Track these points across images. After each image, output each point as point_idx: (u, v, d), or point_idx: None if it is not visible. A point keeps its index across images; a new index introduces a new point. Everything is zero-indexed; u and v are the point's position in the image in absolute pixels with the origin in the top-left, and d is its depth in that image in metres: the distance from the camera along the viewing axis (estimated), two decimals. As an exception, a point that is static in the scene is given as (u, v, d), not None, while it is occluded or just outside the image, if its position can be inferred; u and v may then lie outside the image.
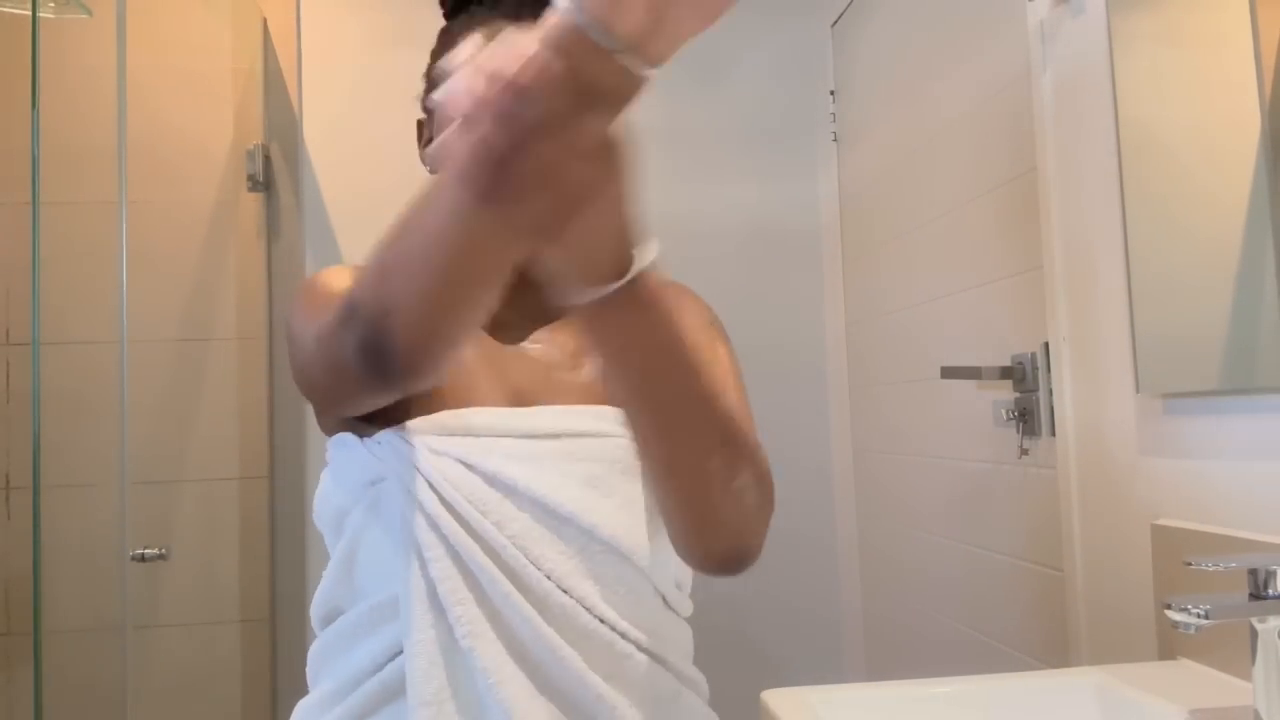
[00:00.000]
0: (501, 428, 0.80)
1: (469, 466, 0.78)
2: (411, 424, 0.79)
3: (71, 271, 2.18)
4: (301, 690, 0.87)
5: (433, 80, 0.91)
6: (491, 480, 0.78)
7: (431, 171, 0.91)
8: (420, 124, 0.94)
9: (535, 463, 0.79)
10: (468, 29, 0.87)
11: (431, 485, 0.77)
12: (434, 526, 0.77)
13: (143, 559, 2.14)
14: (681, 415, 0.68)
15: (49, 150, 1.80)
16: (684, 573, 0.89)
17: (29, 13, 1.78)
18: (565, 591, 0.78)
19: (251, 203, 2.31)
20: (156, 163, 2.25)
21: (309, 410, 2.56)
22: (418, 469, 0.77)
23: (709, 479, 0.70)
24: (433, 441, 0.79)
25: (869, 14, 2.22)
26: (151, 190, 2.24)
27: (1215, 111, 1.09)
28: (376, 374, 0.68)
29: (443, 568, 0.76)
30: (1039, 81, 1.43)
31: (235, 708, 2.24)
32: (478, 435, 0.79)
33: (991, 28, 1.62)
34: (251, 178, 2.29)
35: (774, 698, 1.05)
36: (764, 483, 0.74)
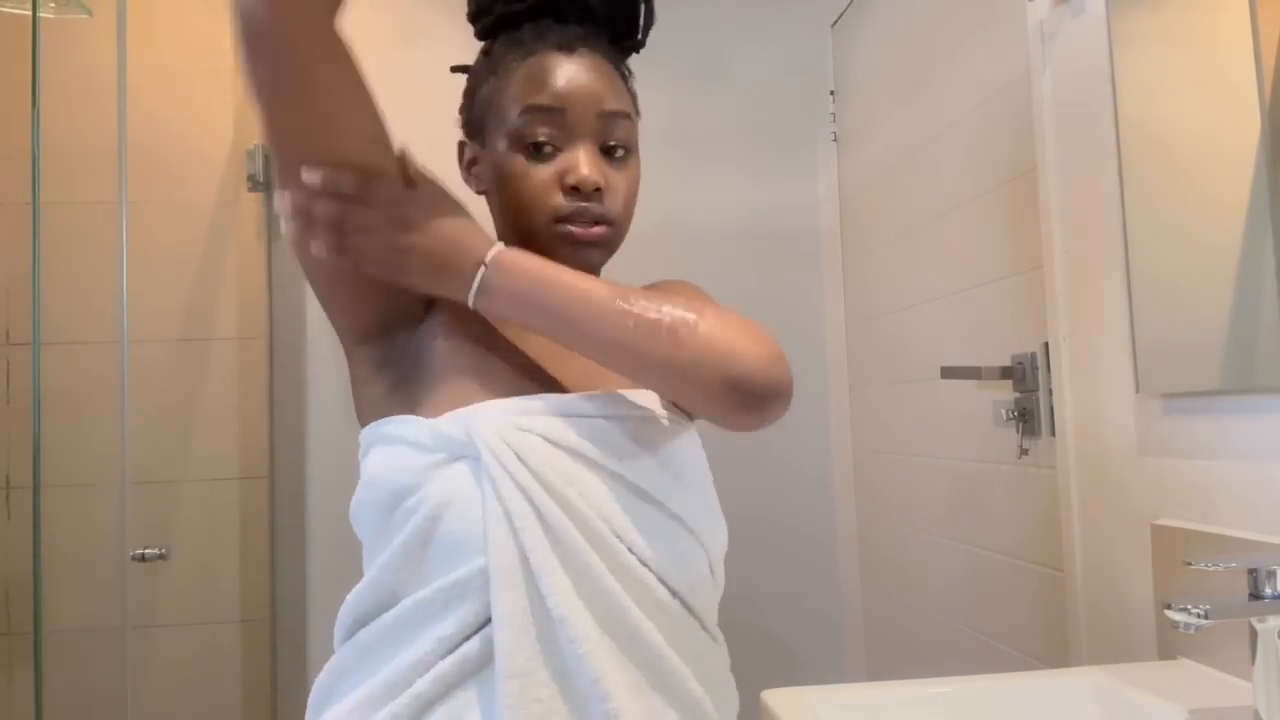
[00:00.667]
0: (576, 409, 0.83)
1: (553, 443, 0.80)
2: (484, 405, 0.82)
3: (71, 271, 2.18)
4: (301, 689, 0.86)
5: (477, 105, 0.95)
6: (575, 455, 0.81)
7: (477, 191, 0.95)
8: (461, 145, 0.97)
9: (610, 440, 0.82)
10: (513, 54, 0.92)
11: (520, 458, 0.79)
12: (526, 497, 0.78)
13: (143, 559, 2.14)
14: (596, 341, 0.81)
15: (49, 150, 1.80)
16: (724, 547, 0.92)
17: (29, 13, 1.78)
18: (644, 564, 0.80)
19: (251, 203, 2.31)
20: (156, 163, 2.25)
21: (309, 410, 2.55)
22: (506, 442, 0.79)
23: (631, 351, 0.80)
24: (516, 419, 0.81)
25: (869, 14, 2.22)
26: (151, 190, 2.24)
27: (1215, 111, 1.09)
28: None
29: (534, 537, 0.77)
30: (1039, 81, 1.43)
31: (235, 708, 2.24)
32: (555, 415, 0.82)
33: (991, 28, 1.62)
34: (251, 178, 2.29)
35: (774, 698, 1.05)
36: (695, 333, 0.79)
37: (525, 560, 0.77)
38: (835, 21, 2.41)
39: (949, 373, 1.65)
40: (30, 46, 1.75)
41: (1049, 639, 1.46)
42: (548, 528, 0.78)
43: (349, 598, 0.84)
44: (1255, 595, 0.84)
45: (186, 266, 2.28)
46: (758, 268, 2.43)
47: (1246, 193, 1.02)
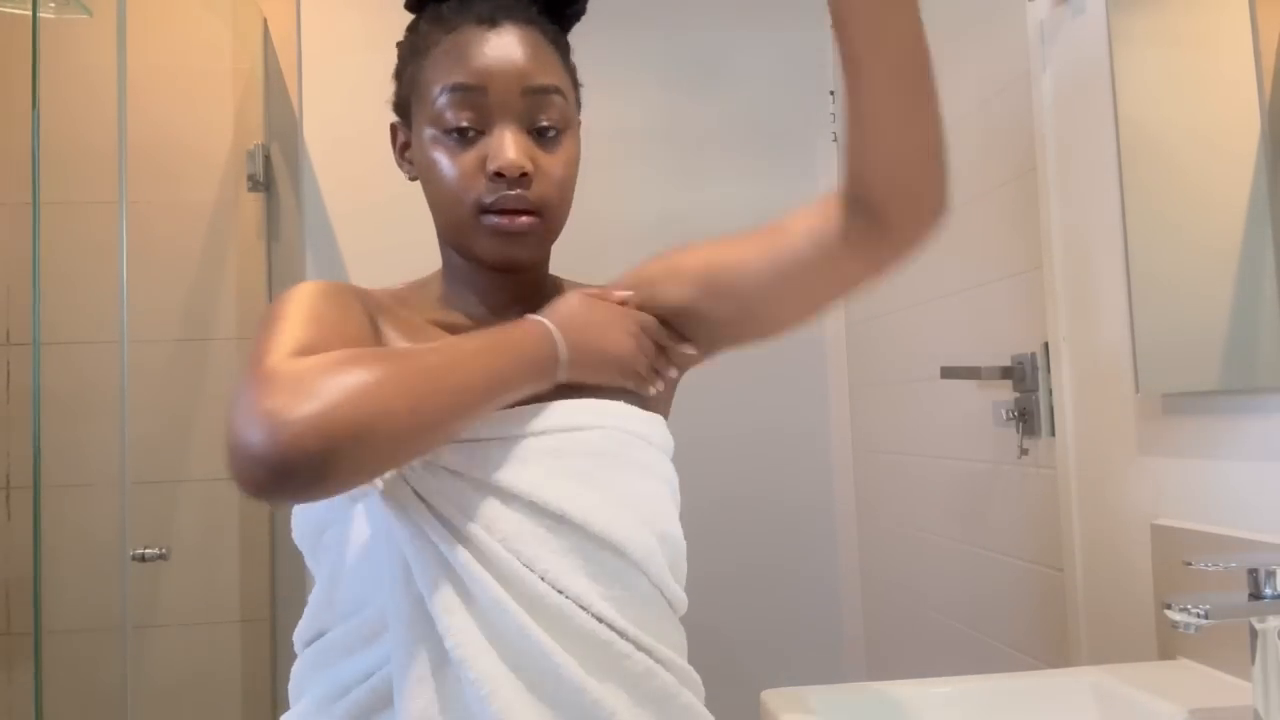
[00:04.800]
0: (487, 431, 0.78)
1: (456, 474, 0.76)
2: None
3: (71, 271, 2.18)
4: (301, 690, 0.87)
5: (404, 85, 0.89)
6: (480, 485, 0.76)
7: (410, 177, 0.89)
8: (394, 127, 0.91)
9: (524, 462, 0.78)
10: (435, 29, 0.86)
11: (419, 495, 0.75)
12: (420, 536, 0.75)
13: (143, 559, 2.13)
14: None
15: (49, 150, 1.80)
16: (679, 566, 0.87)
17: (29, 13, 1.78)
18: (560, 592, 0.75)
19: (251, 203, 2.31)
20: (156, 163, 2.25)
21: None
22: (405, 480, 0.75)
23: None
24: None
25: (869, 14, 2.21)
26: (151, 190, 2.24)
27: (1215, 111, 1.09)
28: (275, 478, 0.69)
29: (431, 578, 0.74)
30: (1039, 81, 1.43)
31: (235, 708, 2.24)
32: (463, 441, 0.77)
33: (991, 28, 1.62)
34: (251, 178, 2.28)
35: (774, 698, 1.05)
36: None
37: (422, 603, 0.74)
38: (835, 21, 2.41)
39: (949, 373, 1.65)
40: (30, 46, 1.75)
41: (1049, 639, 1.46)
42: (446, 567, 0.74)
43: (305, 614, 0.85)
44: (1255, 595, 0.84)
45: (186, 266, 2.28)
46: (758, 268, 2.43)
47: (1246, 193, 1.02)
